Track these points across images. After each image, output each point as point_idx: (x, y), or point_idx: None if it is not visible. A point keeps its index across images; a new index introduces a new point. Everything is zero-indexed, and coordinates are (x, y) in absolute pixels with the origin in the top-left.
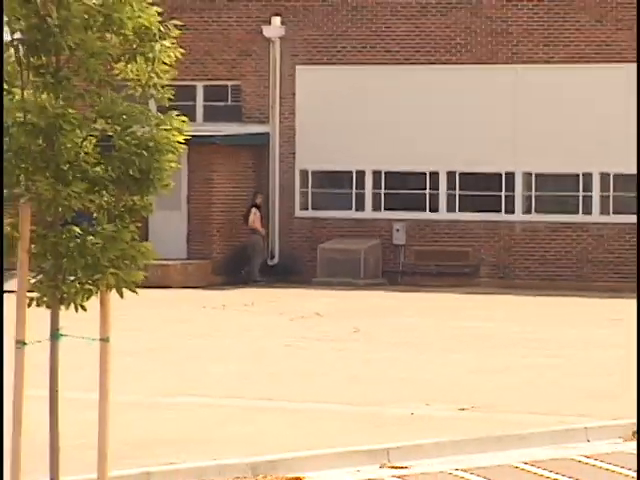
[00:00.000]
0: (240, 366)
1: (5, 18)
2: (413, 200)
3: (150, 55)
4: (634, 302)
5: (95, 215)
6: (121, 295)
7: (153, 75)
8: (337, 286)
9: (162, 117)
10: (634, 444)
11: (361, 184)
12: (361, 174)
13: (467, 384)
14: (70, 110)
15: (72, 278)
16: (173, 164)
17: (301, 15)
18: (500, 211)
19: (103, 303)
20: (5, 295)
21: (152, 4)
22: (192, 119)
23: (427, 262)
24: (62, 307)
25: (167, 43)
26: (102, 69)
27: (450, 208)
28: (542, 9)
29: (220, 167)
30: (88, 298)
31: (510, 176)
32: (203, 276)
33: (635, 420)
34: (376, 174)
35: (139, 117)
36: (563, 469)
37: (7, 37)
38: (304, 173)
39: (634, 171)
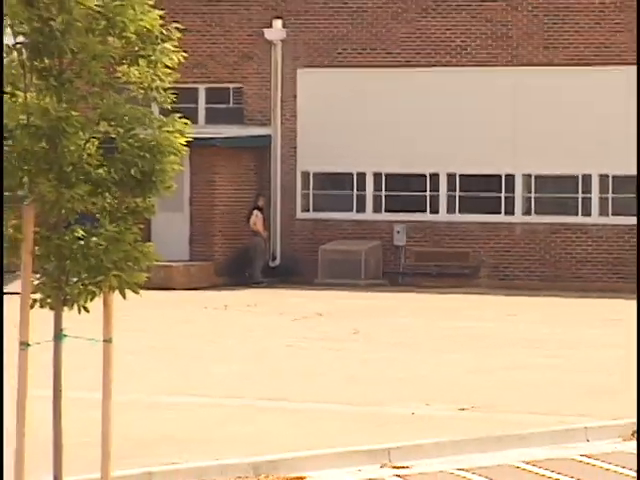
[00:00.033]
0: (242, 366)
1: (8, 21)
2: (413, 202)
3: (152, 58)
4: (633, 302)
5: (98, 217)
6: (124, 296)
7: (155, 78)
8: (338, 287)
9: (164, 119)
10: (634, 444)
11: (362, 186)
12: (362, 176)
13: (467, 384)
14: (73, 112)
15: (75, 279)
16: (176, 166)
17: (302, 18)
18: (500, 212)
19: (106, 304)
20: (9, 296)
21: (154, 7)
22: (194, 121)
23: (427, 263)
24: (65, 308)
25: (169, 46)
26: (104, 72)
27: (450, 210)
28: (542, 12)
29: (222, 169)
30: (91, 299)
31: (510, 178)
32: (205, 277)
33: (635, 420)
34: (377, 176)
35: (142, 119)
36: (563, 469)
37: (10, 40)
38: (305, 175)
39: (633, 172)
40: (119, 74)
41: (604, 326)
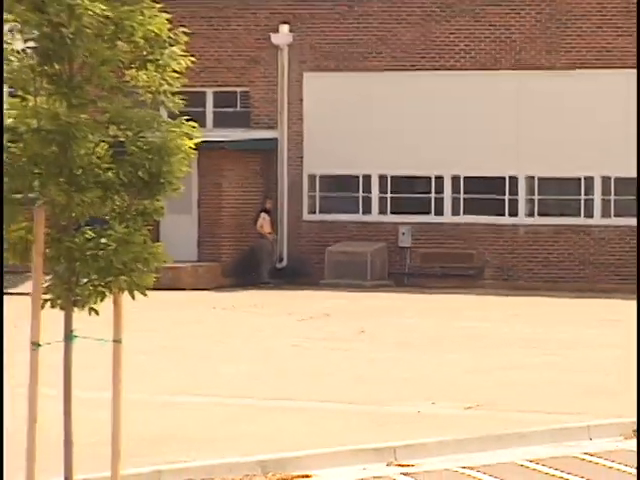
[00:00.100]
0: (249, 366)
1: (18, 26)
2: (418, 204)
3: (160, 62)
4: (634, 303)
5: (107, 219)
6: (133, 297)
7: (163, 82)
8: (344, 288)
9: (173, 123)
10: (635, 442)
11: (368, 188)
12: (367, 178)
13: (471, 383)
14: (83, 116)
15: (85, 281)
16: (184, 167)
17: (309, 23)
18: (504, 214)
19: (116, 305)
20: (20, 297)
21: (162, 11)
22: (202, 125)
23: (432, 264)
24: (75, 309)
25: (177, 49)
26: (113, 76)
27: (455, 211)
28: (544, 16)
29: (229, 172)
30: (101, 300)
31: (513, 180)
32: (213, 278)
33: (635, 419)
34: (382, 178)
35: (150, 123)
36: (566, 466)
37: (20, 45)
38: (312, 177)
39: (635, 174)
40: (128, 78)
41: (606, 326)
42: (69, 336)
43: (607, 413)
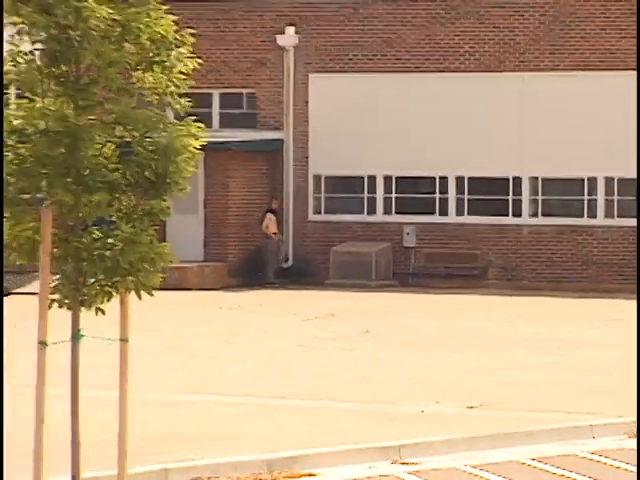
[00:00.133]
0: (255, 365)
1: (26, 28)
2: (423, 204)
3: (166, 64)
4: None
5: (114, 219)
6: (139, 297)
7: (170, 84)
8: (349, 288)
9: (179, 123)
10: None
11: (372, 189)
12: (372, 179)
13: (475, 383)
14: (90, 117)
15: (92, 280)
16: (190, 167)
17: (314, 25)
18: (508, 215)
19: (122, 304)
20: (27, 297)
21: (168, 13)
22: (208, 126)
23: (437, 264)
24: (83, 309)
25: (183, 50)
26: (120, 78)
27: (459, 212)
28: (548, 18)
29: (235, 172)
30: (108, 300)
31: (517, 181)
32: (219, 278)
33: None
34: (387, 179)
35: (156, 124)
36: (570, 465)
37: (28, 46)
38: (317, 178)
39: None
40: (134, 80)
41: (609, 326)
42: (76, 336)
43: (610, 412)
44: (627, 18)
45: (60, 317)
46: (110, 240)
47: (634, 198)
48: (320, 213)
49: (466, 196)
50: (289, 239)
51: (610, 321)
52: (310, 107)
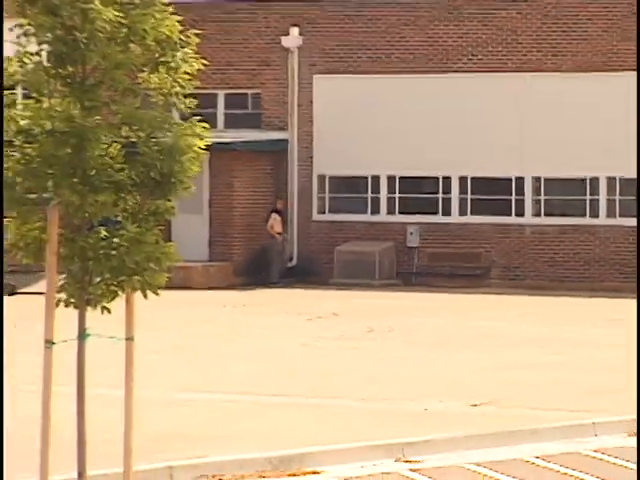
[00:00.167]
0: (260, 364)
1: (32, 29)
2: (426, 204)
3: (172, 64)
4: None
5: (120, 218)
6: (145, 296)
7: (175, 84)
8: (353, 287)
9: (184, 124)
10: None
11: (376, 189)
12: (376, 179)
13: (478, 381)
14: (96, 118)
15: (98, 280)
16: (195, 166)
17: (318, 26)
18: (510, 214)
19: (128, 303)
20: (34, 296)
21: (173, 14)
22: (213, 126)
23: (440, 264)
24: (89, 308)
25: (188, 51)
26: (126, 79)
27: (462, 212)
28: (550, 19)
29: (240, 172)
30: (113, 299)
31: (520, 181)
32: (224, 278)
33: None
34: (390, 179)
35: (162, 124)
36: (572, 463)
37: (34, 47)
38: (321, 178)
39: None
40: (140, 80)
41: (611, 326)
42: (82, 334)
43: (613, 411)
44: (629, 19)
45: (63, 317)
46: (116, 240)
47: (635, 198)
48: (324, 213)
49: (469, 196)
50: (293, 239)
51: (612, 320)
52: (314, 108)
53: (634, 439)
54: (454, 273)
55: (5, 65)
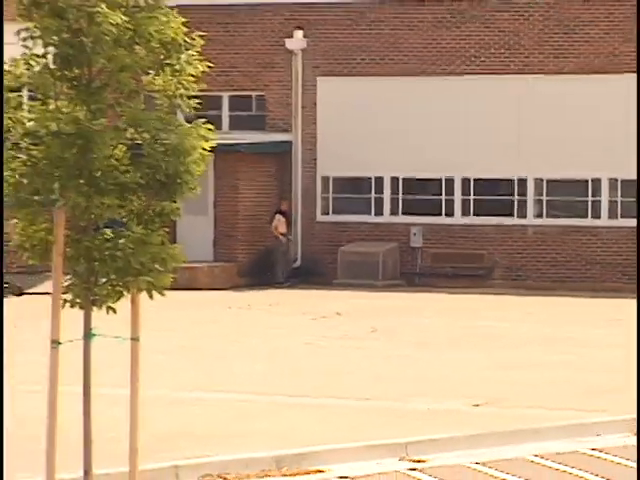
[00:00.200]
0: (264, 364)
1: (38, 32)
2: (429, 205)
3: (176, 67)
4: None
5: (125, 219)
6: (151, 297)
7: (179, 86)
8: (357, 287)
9: (189, 125)
10: None
11: (380, 190)
12: (380, 180)
13: (481, 381)
14: (102, 120)
15: (104, 280)
16: (200, 167)
17: (322, 28)
18: (513, 215)
19: (134, 303)
20: (40, 297)
21: (177, 14)
22: (218, 128)
23: (443, 264)
24: (94, 308)
25: (193, 53)
26: (132, 81)
27: (465, 212)
28: (552, 22)
29: (245, 174)
30: (119, 299)
31: (522, 182)
32: (229, 278)
33: None
34: (394, 180)
35: (167, 125)
36: (574, 462)
37: (40, 50)
38: (325, 179)
39: None
40: (145, 83)
41: (613, 326)
42: (88, 334)
43: (614, 410)
44: (630, 22)
45: (69, 317)
46: (121, 241)
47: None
48: (328, 214)
49: (472, 197)
50: (297, 239)
51: (614, 321)
52: (318, 109)
53: (635, 438)
54: (457, 273)
55: (12, 67)
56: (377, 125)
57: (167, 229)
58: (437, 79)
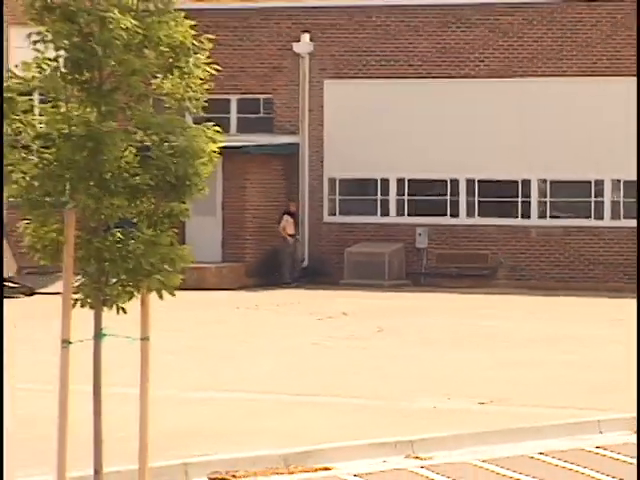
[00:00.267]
0: (272, 363)
1: (49, 36)
2: (434, 206)
3: (185, 70)
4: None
5: (135, 220)
6: (161, 297)
7: (188, 89)
8: (363, 287)
9: (197, 127)
10: None
11: (385, 191)
12: (385, 181)
13: (486, 380)
14: (112, 123)
15: (114, 281)
16: (208, 168)
17: (329, 32)
18: (517, 216)
19: (143, 304)
20: (51, 297)
21: (186, 17)
22: (226, 130)
23: (448, 264)
24: (105, 308)
25: (201, 57)
26: (142, 85)
27: (469, 213)
28: (555, 25)
29: (253, 175)
30: (129, 300)
31: (526, 183)
32: (237, 278)
33: None
34: (400, 181)
35: (176, 128)
36: (577, 459)
37: (52, 54)
38: (332, 181)
39: None
40: (154, 86)
41: (615, 325)
42: (99, 334)
43: (616, 408)
44: (631, 25)
45: (79, 317)
46: (132, 242)
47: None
48: (335, 215)
49: (476, 198)
50: (305, 240)
51: (616, 320)
52: (325, 112)
53: (635, 436)
54: (462, 274)
55: (24, 71)
56: (383, 127)
57: (176, 230)
58: (442, 82)
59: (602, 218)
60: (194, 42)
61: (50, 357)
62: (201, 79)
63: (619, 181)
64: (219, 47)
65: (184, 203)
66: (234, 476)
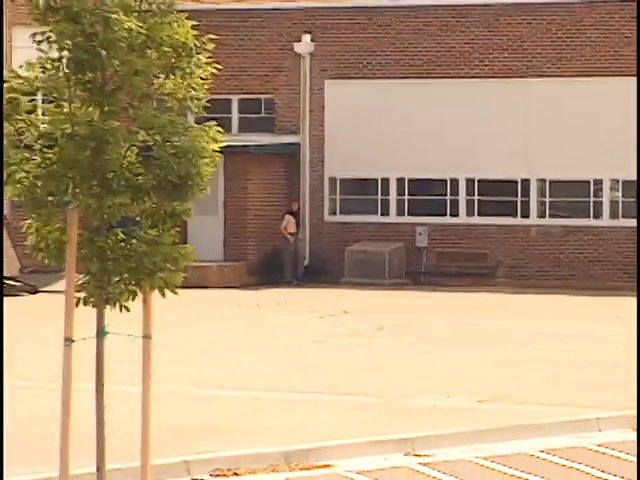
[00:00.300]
0: (273, 361)
1: (53, 37)
2: (435, 205)
3: (187, 70)
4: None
5: (138, 219)
6: (163, 296)
7: (190, 89)
8: (364, 286)
9: (199, 127)
10: None
11: (386, 190)
12: (386, 181)
13: (485, 378)
14: (115, 123)
15: (117, 279)
16: (210, 168)
17: (330, 33)
18: (516, 215)
19: (146, 302)
20: (54, 295)
21: (188, 18)
22: (228, 130)
23: (448, 263)
24: (107, 306)
25: (203, 57)
26: (144, 85)
27: (469, 213)
28: (555, 26)
29: (254, 175)
30: (133, 299)
31: (525, 183)
32: (238, 277)
33: None
34: (400, 181)
35: (178, 128)
36: (576, 457)
37: (55, 54)
38: (333, 180)
39: None
40: (156, 86)
41: (613, 323)
42: (101, 332)
43: (617, 406)
44: (632, 26)
45: (82, 315)
46: (134, 241)
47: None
48: (335, 214)
49: (476, 197)
50: (306, 239)
51: (615, 318)
52: (326, 112)
53: (635, 434)
54: (461, 272)
55: (27, 71)
56: (383, 127)
57: (178, 229)
58: (442, 82)
59: (601, 217)
60: (196, 43)
61: (53, 355)
62: (203, 79)
63: (618, 181)
64: (220, 47)
65: (186, 202)
66: (236, 474)
